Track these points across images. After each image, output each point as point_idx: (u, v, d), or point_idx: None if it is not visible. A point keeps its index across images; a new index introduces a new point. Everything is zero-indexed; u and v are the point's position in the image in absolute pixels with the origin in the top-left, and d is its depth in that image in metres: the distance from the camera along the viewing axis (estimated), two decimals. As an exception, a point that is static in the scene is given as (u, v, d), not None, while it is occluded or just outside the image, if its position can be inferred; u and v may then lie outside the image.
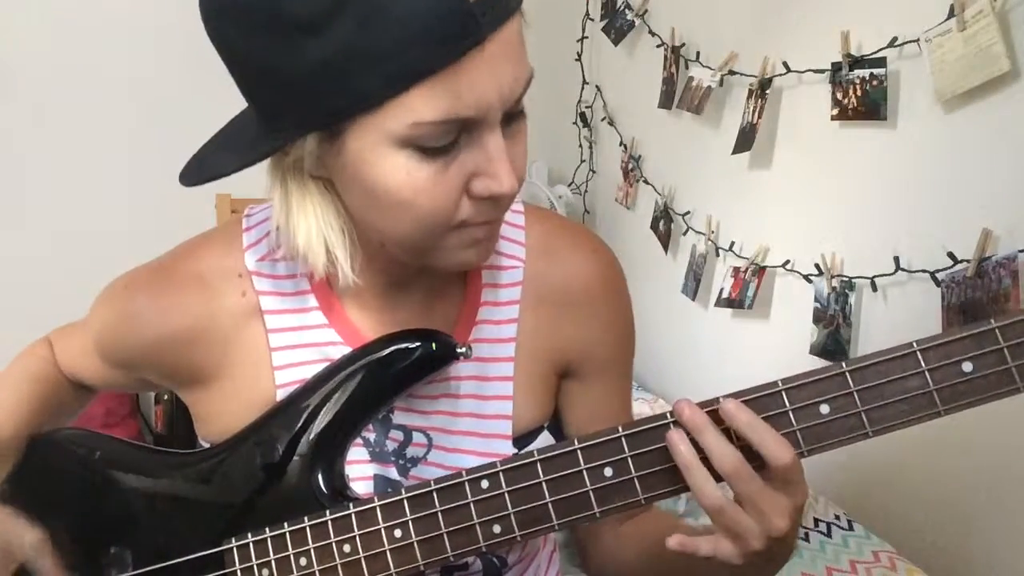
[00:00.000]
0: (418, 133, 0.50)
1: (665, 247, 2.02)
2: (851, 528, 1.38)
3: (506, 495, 0.56)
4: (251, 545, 0.63)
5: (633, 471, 0.54)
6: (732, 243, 1.75)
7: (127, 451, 0.71)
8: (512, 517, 0.56)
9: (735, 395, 0.54)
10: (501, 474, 0.56)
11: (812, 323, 1.49)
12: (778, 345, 1.65)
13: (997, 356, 0.50)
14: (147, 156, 2.08)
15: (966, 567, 1.28)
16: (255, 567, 0.62)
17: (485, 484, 0.57)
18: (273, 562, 0.62)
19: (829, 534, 1.37)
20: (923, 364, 0.51)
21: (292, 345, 0.67)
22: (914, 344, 0.51)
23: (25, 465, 0.73)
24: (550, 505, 0.55)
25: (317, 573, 0.60)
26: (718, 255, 1.81)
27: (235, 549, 0.63)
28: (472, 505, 0.57)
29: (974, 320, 1.19)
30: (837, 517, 1.41)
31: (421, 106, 0.49)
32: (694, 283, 1.88)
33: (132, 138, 2.05)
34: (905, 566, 1.26)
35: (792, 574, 1.27)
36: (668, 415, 0.54)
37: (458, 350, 0.62)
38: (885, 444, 1.45)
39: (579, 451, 0.55)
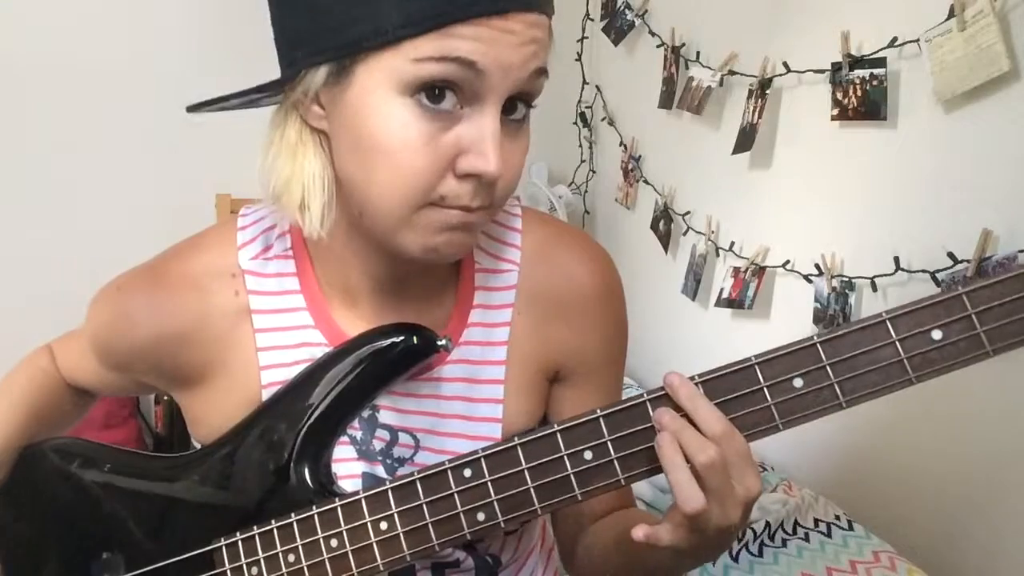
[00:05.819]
0: (419, 72, 0.51)
1: (665, 247, 2.02)
2: (851, 528, 1.38)
3: (489, 483, 0.56)
4: (240, 543, 0.63)
5: (612, 453, 0.55)
6: (732, 243, 1.75)
7: (116, 457, 0.71)
8: (495, 504, 0.56)
9: (709, 372, 0.54)
10: (483, 461, 0.57)
11: (812, 323, 1.49)
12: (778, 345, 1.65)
13: (966, 322, 0.50)
14: (147, 156, 2.08)
15: (966, 567, 1.28)
16: (244, 566, 0.62)
17: (468, 473, 0.57)
18: (262, 560, 0.62)
19: (829, 534, 1.37)
20: (893, 334, 0.51)
21: (278, 345, 0.67)
22: (883, 314, 0.52)
23: (15, 475, 0.74)
24: (532, 490, 0.56)
25: (305, 569, 0.60)
26: (718, 255, 1.82)
27: (224, 548, 0.63)
28: (456, 495, 0.57)
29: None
30: (837, 517, 1.41)
31: (430, 48, 0.51)
32: (694, 283, 1.88)
33: (132, 138, 2.05)
34: (905, 566, 1.26)
35: (792, 574, 1.27)
36: (644, 394, 0.55)
37: (439, 343, 0.63)
38: (885, 445, 1.46)
39: (558, 434, 0.55)
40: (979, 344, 0.50)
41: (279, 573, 0.61)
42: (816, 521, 1.40)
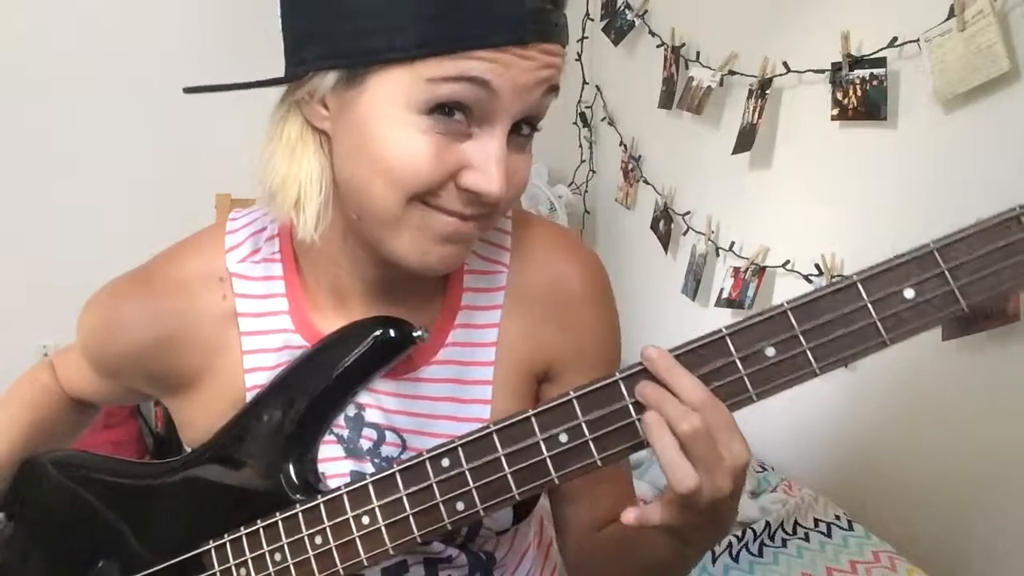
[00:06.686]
0: (432, 94, 0.52)
1: (665, 247, 2.02)
2: (851, 528, 1.38)
3: (466, 472, 0.56)
4: (228, 545, 0.63)
5: (587, 434, 0.54)
6: (732, 243, 1.75)
7: (109, 466, 0.72)
8: (474, 492, 0.56)
9: (680, 346, 0.53)
10: (460, 450, 0.57)
11: (812, 323, 1.49)
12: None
13: (939, 279, 0.49)
14: (147, 156, 2.08)
15: (967, 567, 1.29)
16: (233, 567, 0.63)
17: (445, 462, 0.57)
18: (250, 560, 0.62)
19: (829, 534, 1.37)
20: (865, 296, 0.50)
21: (262, 349, 0.67)
22: (853, 276, 0.50)
23: (14, 487, 0.75)
24: (509, 476, 0.56)
25: (292, 568, 0.61)
26: (718, 255, 1.82)
27: (213, 551, 0.63)
28: (435, 485, 0.57)
29: (974, 323, 1.20)
30: (837, 517, 1.41)
31: (445, 68, 0.51)
32: (694, 283, 1.88)
33: (132, 138, 2.05)
34: (905, 566, 1.26)
35: (792, 574, 1.27)
36: (617, 373, 0.55)
37: (414, 334, 0.63)
38: (885, 445, 1.45)
39: (533, 418, 0.55)
40: (953, 300, 0.49)
41: (266, 572, 0.61)
42: (816, 521, 1.40)
